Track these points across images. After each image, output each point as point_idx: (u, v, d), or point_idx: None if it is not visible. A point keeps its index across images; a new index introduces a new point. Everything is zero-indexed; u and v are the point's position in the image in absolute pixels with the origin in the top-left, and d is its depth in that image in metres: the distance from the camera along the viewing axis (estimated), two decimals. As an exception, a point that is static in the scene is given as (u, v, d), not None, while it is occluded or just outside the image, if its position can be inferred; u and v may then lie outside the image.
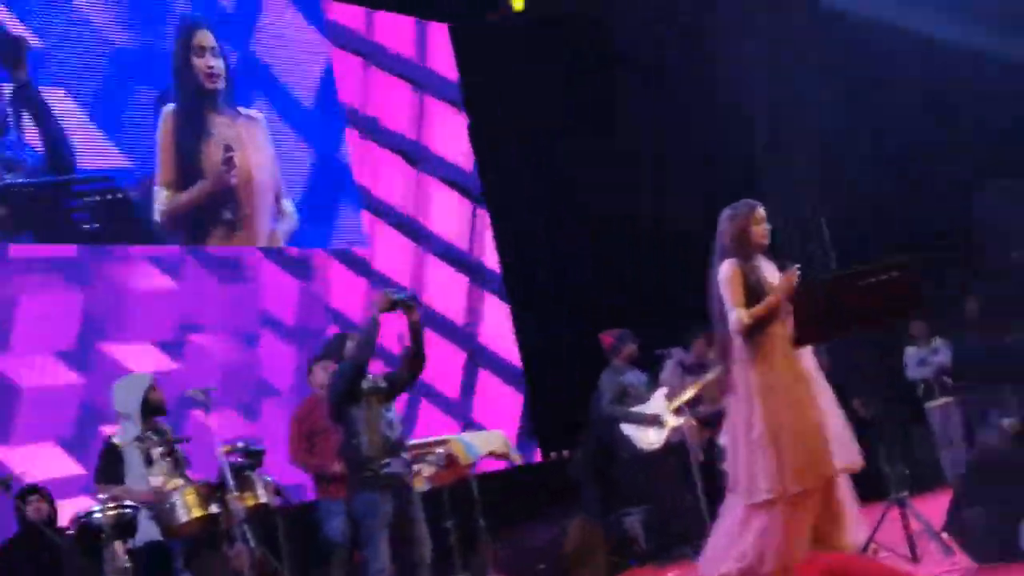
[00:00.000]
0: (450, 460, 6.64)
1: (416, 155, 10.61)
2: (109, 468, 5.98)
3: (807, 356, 5.22)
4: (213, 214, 8.96)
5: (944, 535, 5.18)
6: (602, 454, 8.31)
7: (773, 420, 4.99)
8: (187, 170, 8.86)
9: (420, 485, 5.79)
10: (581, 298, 10.39)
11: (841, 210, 9.69)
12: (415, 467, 6.29)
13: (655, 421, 7.78)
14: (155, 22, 8.97)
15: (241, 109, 9.38)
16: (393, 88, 10.66)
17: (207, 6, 9.42)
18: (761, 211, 5.30)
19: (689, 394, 7.76)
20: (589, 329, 8.53)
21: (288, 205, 9.48)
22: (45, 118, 8.08)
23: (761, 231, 5.28)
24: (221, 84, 9.22)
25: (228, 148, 9.09)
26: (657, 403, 7.87)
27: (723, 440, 5.29)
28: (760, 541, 4.92)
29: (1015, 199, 9.44)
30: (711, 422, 8.10)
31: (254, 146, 9.36)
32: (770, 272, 5.27)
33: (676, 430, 7.73)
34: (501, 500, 7.43)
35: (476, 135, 10.98)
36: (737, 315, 5.08)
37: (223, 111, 9.20)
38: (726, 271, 5.19)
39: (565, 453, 9.31)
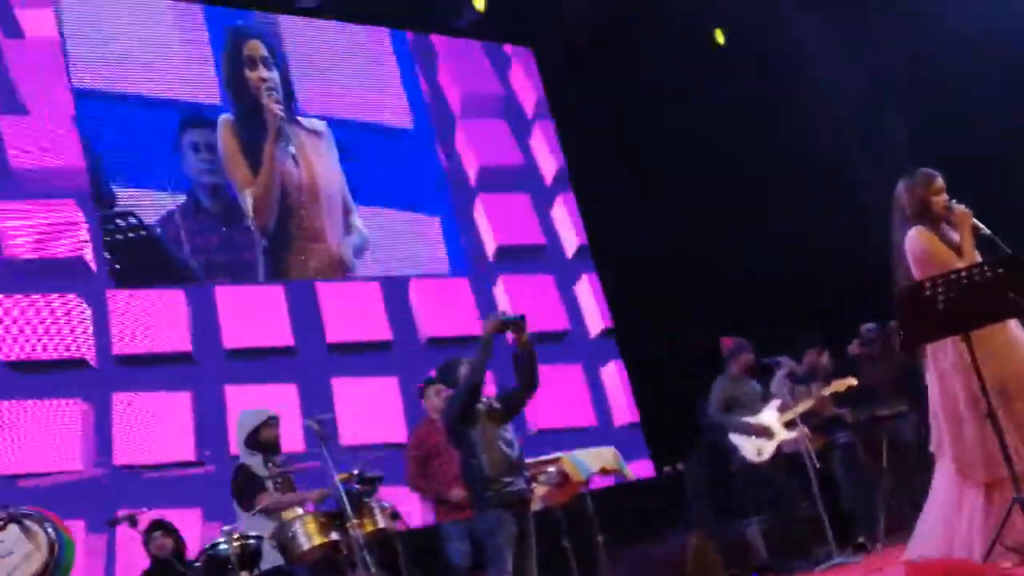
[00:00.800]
0: (563, 478, 6.68)
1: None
2: (249, 485, 6.20)
3: (1016, 326, 5.17)
4: (286, 224, 9.14)
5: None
6: (714, 463, 8.28)
7: (998, 384, 4.94)
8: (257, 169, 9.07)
9: (534, 505, 5.82)
10: (692, 310, 10.34)
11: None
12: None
13: (764, 432, 7.73)
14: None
15: (303, 120, 9.53)
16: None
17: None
18: (940, 181, 5.32)
19: (803, 407, 7.69)
20: (700, 340, 8.52)
21: (358, 220, 9.62)
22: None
23: (941, 200, 5.29)
24: (277, 96, 9.34)
25: (293, 157, 9.26)
26: (769, 414, 7.82)
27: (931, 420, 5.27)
28: (971, 524, 4.91)
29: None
30: (826, 430, 8.03)
31: (318, 156, 9.49)
32: (953, 240, 5.25)
33: (787, 442, 7.67)
34: (616, 517, 7.43)
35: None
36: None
37: (282, 123, 9.34)
38: (919, 237, 5.20)
39: (679, 467, 9.28)
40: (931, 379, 5.29)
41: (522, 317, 5.72)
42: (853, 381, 8.06)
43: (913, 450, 8.79)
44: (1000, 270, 4.92)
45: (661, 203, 10.81)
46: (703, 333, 8.58)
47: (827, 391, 7.87)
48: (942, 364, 5.21)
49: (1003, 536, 4.84)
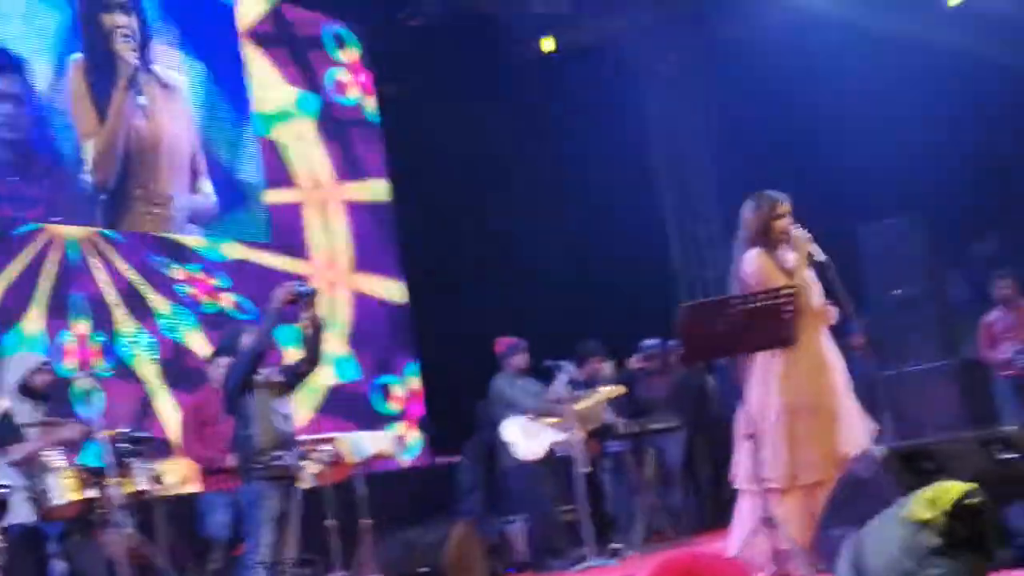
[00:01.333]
0: (336, 458, 6.64)
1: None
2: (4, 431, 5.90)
3: (828, 341, 5.40)
4: (125, 182, 8.70)
5: (811, 553, 5.33)
6: (488, 460, 8.38)
7: (790, 410, 5.17)
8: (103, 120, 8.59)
9: (304, 483, 5.77)
10: (480, 306, 10.43)
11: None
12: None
13: (544, 428, 7.84)
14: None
15: (159, 71, 9.10)
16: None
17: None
18: (785, 205, 5.48)
19: (581, 406, 7.85)
20: (487, 336, 8.62)
21: (207, 184, 9.29)
22: None
23: (783, 224, 5.45)
24: (132, 44, 8.87)
25: (143, 110, 8.83)
26: (548, 412, 7.94)
27: (739, 429, 5.46)
28: (801, 523, 5.13)
29: (896, 237, 9.81)
30: (599, 437, 8.24)
31: (169, 112, 9.09)
32: (791, 262, 5.45)
33: (560, 443, 7.82)
34: (386, 502, 7.43)
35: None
36: (795, 287, 5.26)
37: (136, 72, 8.89)
38: (752, 258, 5.39)
39: (455, 459, 9.35)
40: (745, 390, 5.52)
41: (314, 291, 5.69)
42: (623, 389, 8.30)
43: (678, 466, 9.18)
44: (781, 299, 5.16)
45: (459, 204, 10.84)
46: (490, 333, 8.68)
47: (599, 396, 8.07)
48: (754, 376, 5.45)
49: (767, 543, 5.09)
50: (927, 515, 4.21)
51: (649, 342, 9.50)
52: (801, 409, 5.28)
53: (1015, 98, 9.87)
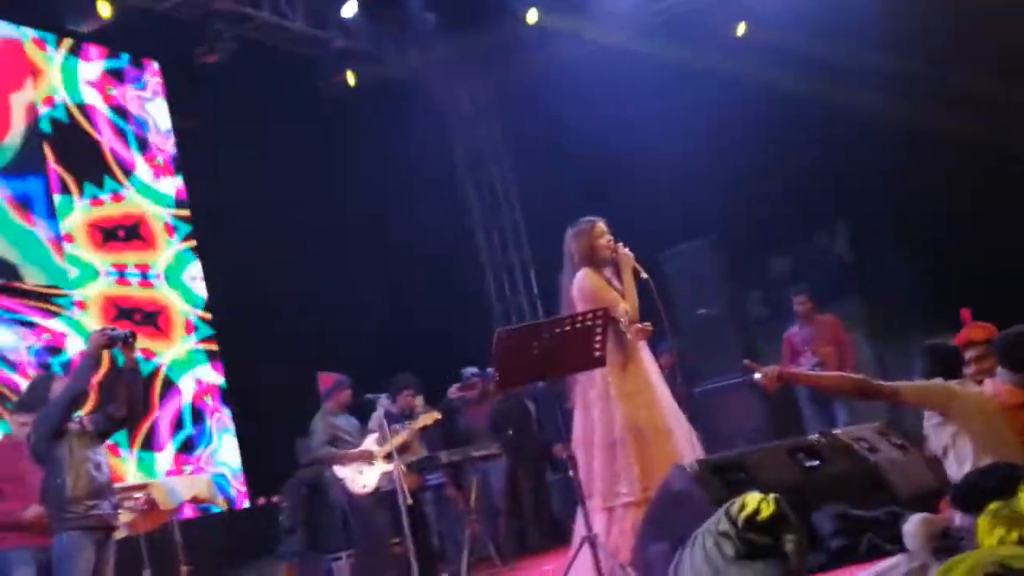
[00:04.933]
0: (151, 504, 6.42)
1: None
2: None
3: (651, 361, 5.53)
4: None
5: (630, 570, 5.45)
6: (310, 497, 8.26)
7: (632, 423, 5.23)
8: None
9: (119, 531, 5.56)
10: (294, 343, 10.27)
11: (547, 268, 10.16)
12: (113, 513, 6.05)
13: (367, 457, 7.79)
14: None
15: None
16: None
17: None
18: (602, 225, 5.67)
19: (397, 441, 7.82)
20: (301, 373, 8.50)
21: None
22: None
23: (605, 243, 5.61)
24: None
25: None
26: (369, 447, 7.89)
27: (573, 449, 5.51)
28: (624, 541, 5.17)
29: (696, 260, 10.21)
30: (420, 469, 8.23)
31: None
32: (618, 281, 5.64)
33: (387, 475, 7.78)
34: (204, 546, 7.22)
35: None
36: (623, 308, 5.40)
37: None
38: (586, 278, 5.51)
39: (275, 499, 9.16)
40: (577, 410, 5.63)
41: (132, 334, 5.54)
42: (437, 415, 8.31)
43: (501, 493, 9.26)
44: (593, 321, 5.29)
45: (268, 242, 10.69)
46: (304, 369, 8.57)
47: (417, 425, 8.06)
48: (589, 395, 5.56)
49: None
50: (724, 526, 4.39)
51: (467, 371, 9.57)
52: (642, 425, 5.44)
53: (803, 122, 10.36)
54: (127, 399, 5.52)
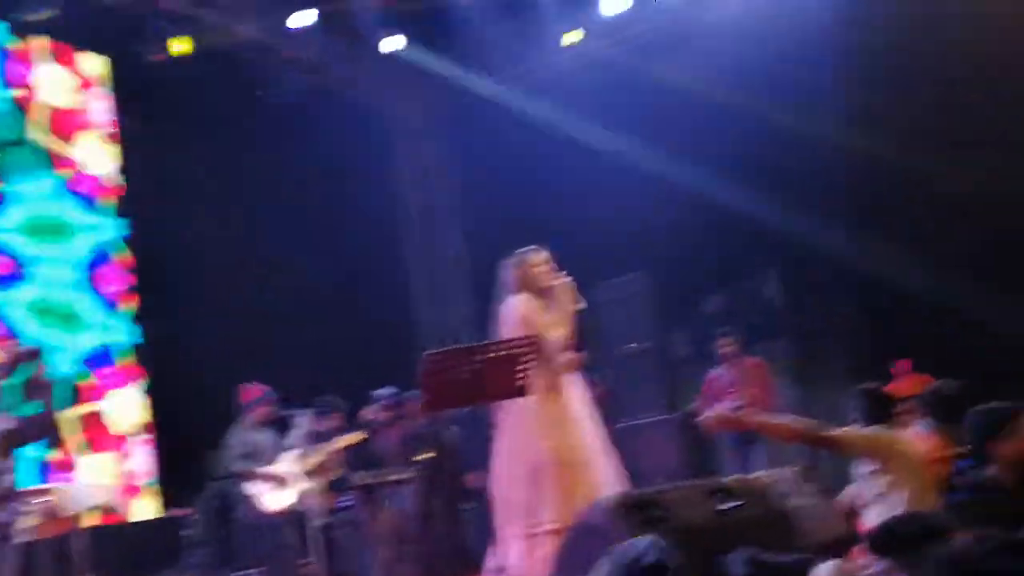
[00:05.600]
0: (51, 512, 6.24)
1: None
2: None
3: (581, 392, 5.55)
4: None
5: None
6: (222, 511, 8.10)
7: (556, 452, 5.18)
8: None
9: (19, 536, 5.40)
10: (217, 353, 10.10)
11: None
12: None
13: (281, 482, 7.67)
14: None
15: None
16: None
17: None
18: (541, 255, 5.72)
19: (315, 460, 7.72)
20: (220, 385, 8.35)
21: None
22: None
23: (542, 271, 5.67)
24: None
25: None
26: (286, 464, 7.77)
27: (495, 474, 5.47)
28: (543, 569, 5.10)
29: (629, 294, 10.23)
30: (334, 489, 8.12)
31: None
32: (551, 313, 5.64)
33: (302, 494, 7.66)
34: (109, 555, 7.04)
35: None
36: (552, 336, 5.42)
37: None
38: (516, 304, 5.54)
39: (186, 512, 8.98)
40: (500, 435, 5.59)
41: (37, 350, 5.44)
42: (363, 435, 8.21)
43: (414, 517, 9.14)
44: (523, 348, 5.27)
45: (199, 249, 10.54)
46: (227, 381, 8.43)
47: (338, 445, 7.97)
48: (514, 420, 5.53)
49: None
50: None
51: (382, 392, 9.41)
52: (565, 455, 5.42)
53: (743, 162, 10.44)
54: (42, 414, 5.38)
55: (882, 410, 5.29)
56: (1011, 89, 9.47)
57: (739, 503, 5.33)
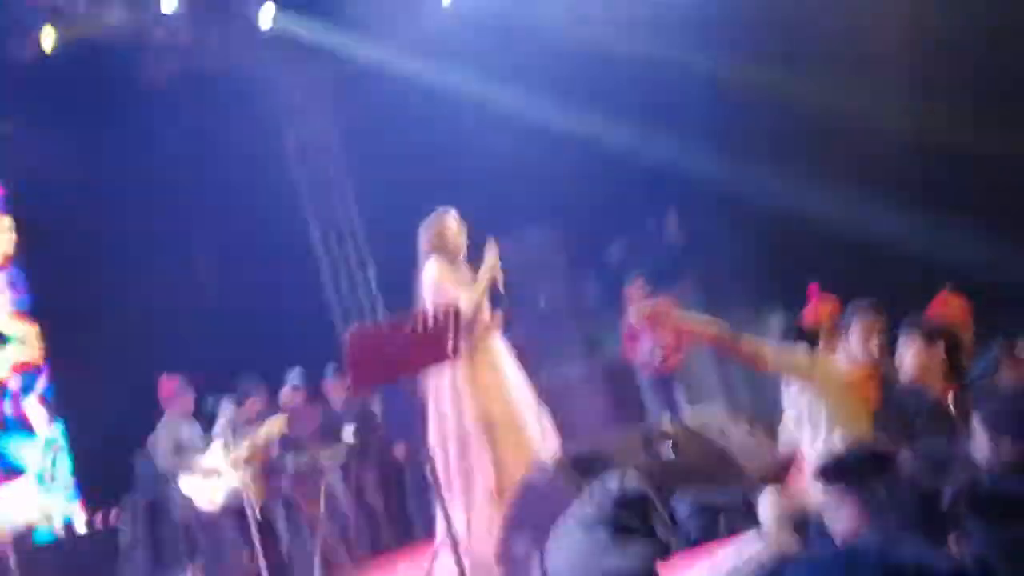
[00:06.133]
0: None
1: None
2: None
3: (505, 352, 5.57)
4: None
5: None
6: (151, 513, 7.94)
7: (484, 416, 5.16)
8: None
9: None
10: (127, 347, 9.84)
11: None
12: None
13: (212, 475, 7.55)
14: None
15: None
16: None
17: None
18: (452, 218, 5.76)
19: (246, 448, 7.60)
20: (136, 378, 8.15)
21: None
22: None
23: (455, 232, 5.75)
24: None
25: None
26: (214, 456, 7.64)
27: (431, 444, 5.43)
28: (487, 536, 5.23)
29: (536, 247, 10.23)
30: (266, 476, 8.02)
31: None
32: (467, 274, 5.69)
33: (234, 487, 7.53)
34: (42, 570, 6.85)
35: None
36: (467, 298, 5.44)
37: None
38: (433, 268, 5.57)
39: (112, 513, 8.76)
40: (429, 404, 5.59)
41: None
42: (283, 420, 8.10)
43: (346, 495, 9.10)
44: (444, 316, 5.24)
45: (92, 243, 10.21)
46: (140, 373, 8.24)
47: (262, 433, 7.86)
48: (438, 387, 5.52)
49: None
50: (591, 511, 4.41)
51: (292, 372, 9.29)
52: (495, 417, 5.43)
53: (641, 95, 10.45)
54: None
55: (802, 334, 5.39)
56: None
57: (676, 446, 5.46)
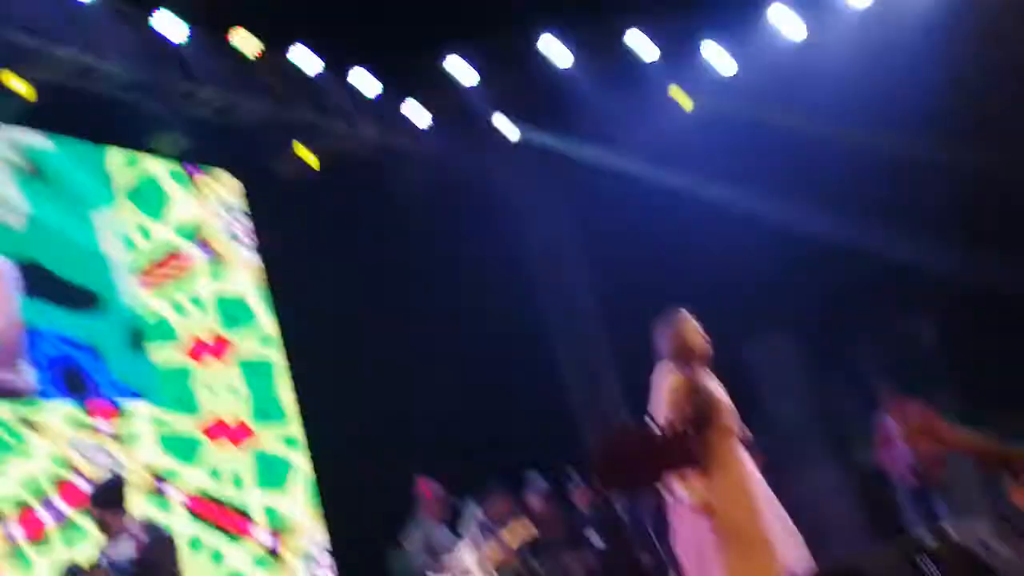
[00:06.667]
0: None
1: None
2: None
3: (748, 463, 5.40)
4: None
5: None
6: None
7: (725, 529, 5.11)
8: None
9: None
10: (387, 448, 10.20)
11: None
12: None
13: (465, 574, 7.66)
14: None
15: None
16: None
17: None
18: (688, 318, 5.53)
19: (494, 551, 7.68)
20: (391, 481, 8.43)
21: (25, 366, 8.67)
22: None
23: (694, 334, 5.49)
24: None
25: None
26: (464, 556, 7.78)
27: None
28: None
29: (777, 351, 10.02)
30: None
31: None
32: (711, 378, 5.46)
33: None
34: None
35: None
36: (723, 401, 5.32)
37: None
38: (669, 378, 5.37)
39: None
40: (672, 516, 5.47)
41: None
42: (532, 529, 8.13)
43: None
44: (694, 421, 5.20)
45: (353, 348, 10.70)
46: (398, 473, 8.51)
47: (510, 535, 7.92)
48: (680, 499, 5.38)
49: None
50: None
51: (534, 476, 9.35)
52: (737, 530, 5.26)
53: (882, 215, 10.21)
54: None
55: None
56: None
57: (942, 564, 5.17)
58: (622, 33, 11.47)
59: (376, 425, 10.36)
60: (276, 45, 10.65)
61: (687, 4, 10.94)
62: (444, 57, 11.42)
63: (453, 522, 8.21)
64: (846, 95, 10.32)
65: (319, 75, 10.90)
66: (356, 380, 10.34)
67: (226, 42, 10.27)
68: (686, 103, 11.81)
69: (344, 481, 10.10)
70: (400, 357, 10.97)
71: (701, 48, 11.60)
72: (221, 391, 10.11)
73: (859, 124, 10.28)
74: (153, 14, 9.67)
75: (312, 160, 10.81)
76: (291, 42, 10.80)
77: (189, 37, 9.83)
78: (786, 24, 11.32)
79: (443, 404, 11.02)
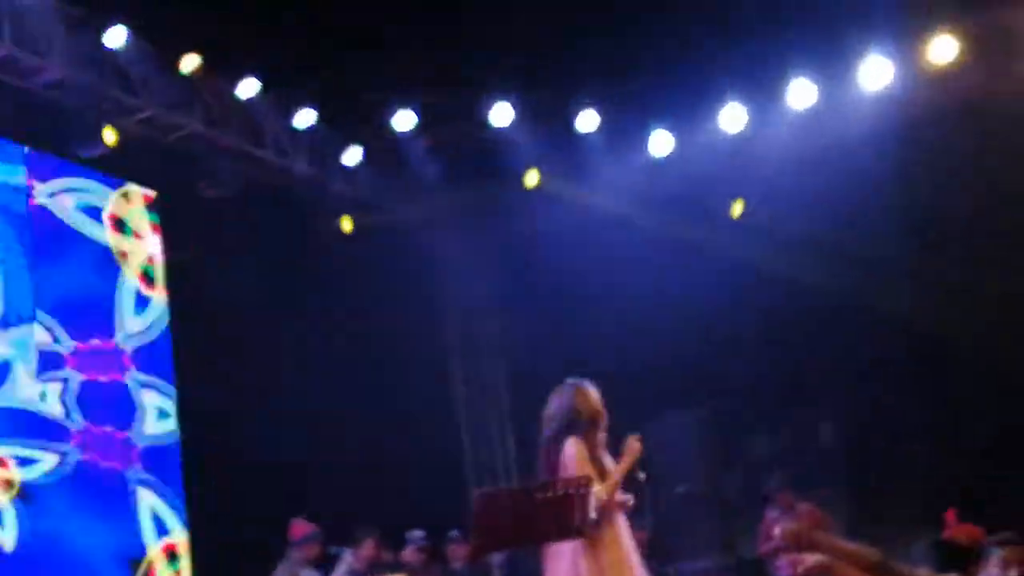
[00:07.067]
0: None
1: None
2: None
3: (628, 535, 5.50)
4: None
5: None
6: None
7: None
8: None
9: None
10: (262, 492, 9.92)
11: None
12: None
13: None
14: None
15: None
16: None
17: None
18: (592, 391, 5.69)
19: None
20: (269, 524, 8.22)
21: None
22: None
23: (593, 405, 5.65)
24: None
25: None
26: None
27: None
28: None
29: (678, 432, 10.03)
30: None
31: None
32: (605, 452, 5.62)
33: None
34: None
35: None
36: (604, 487, 5.38)
37: None
38: (571, 447, 5.48)
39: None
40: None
41: None
42: None
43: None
44: (581, 488, 5.14)
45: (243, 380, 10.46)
46: (273, 515, 8.30)
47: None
48: (559, 565, 5.39)
49: None
50: None
51: (414, 534, 9.21)
52: None
53: (796, 304, 10.31)
54: None
55: (955, 562, 5.07)
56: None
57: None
58: (568, 103, 11.47)
59: (260, 469, 10.10)
60: (217, 66, 10.52)
61: (642, 90, 10.99)
62: (386, 101, 11.38)
63: (326, 567, 8.02)
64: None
65: (253, 100, 10.77)
66: (242, 420, 10.07)
67: (170, 59, 10.12)
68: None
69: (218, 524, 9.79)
70: (300, 401, 10.74)
71: (647, 131, 11.50)
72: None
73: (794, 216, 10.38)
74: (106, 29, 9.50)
75: (236, 185, 10.63)
76: (233, 65, 10.69)
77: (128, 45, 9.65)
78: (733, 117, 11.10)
79: (337, 453, 10.79)
